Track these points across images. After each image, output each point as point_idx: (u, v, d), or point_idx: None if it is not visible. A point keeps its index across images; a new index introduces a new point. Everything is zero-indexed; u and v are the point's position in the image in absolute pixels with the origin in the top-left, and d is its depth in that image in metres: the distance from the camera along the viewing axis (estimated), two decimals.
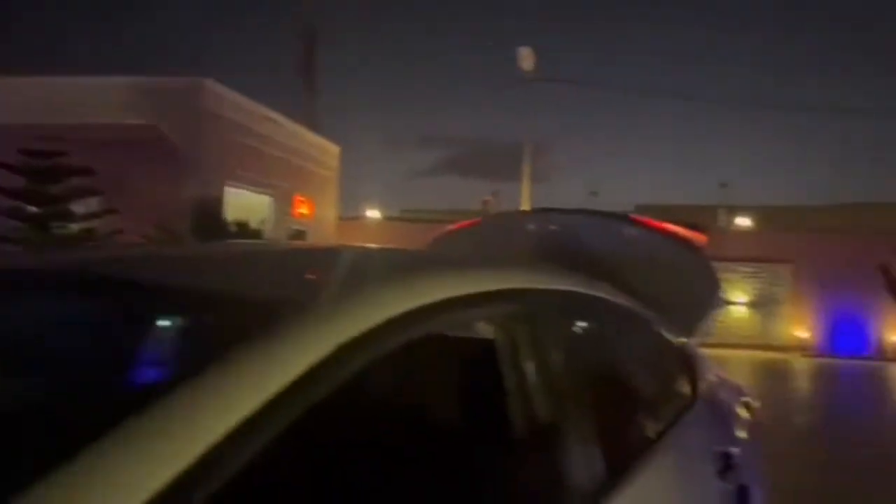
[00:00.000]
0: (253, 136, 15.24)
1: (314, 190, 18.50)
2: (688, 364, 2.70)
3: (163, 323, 1.38)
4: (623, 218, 3.68)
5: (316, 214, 18.32)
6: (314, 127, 20.18)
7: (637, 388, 2.30)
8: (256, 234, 13.78)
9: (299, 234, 17.28)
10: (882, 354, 18.62)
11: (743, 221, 20.96)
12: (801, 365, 17.23)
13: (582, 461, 1.46)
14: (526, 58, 19.03)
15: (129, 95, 13.36)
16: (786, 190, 23.55)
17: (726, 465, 2.29)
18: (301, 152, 17.78)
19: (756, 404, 3.27)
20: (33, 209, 10.67)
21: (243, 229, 13.29)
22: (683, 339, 2.86)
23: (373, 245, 2.47)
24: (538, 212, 5.06)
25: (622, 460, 1.63)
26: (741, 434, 2.73)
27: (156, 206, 12.17)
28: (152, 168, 12.89)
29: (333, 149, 20.32)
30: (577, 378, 1.67)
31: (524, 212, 10.58)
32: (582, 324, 2.08)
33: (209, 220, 12.82)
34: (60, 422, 0.89)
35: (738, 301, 20.49)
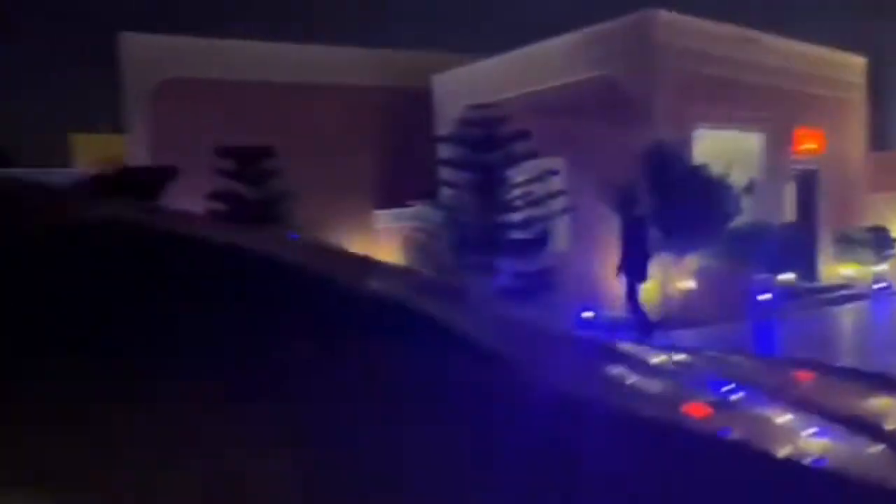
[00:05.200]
0: (724, 65, 12.50)
1: (825, 119, 14.54)
2: None
3: None
4: None
5: (830, 149, 14.62)
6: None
7: None
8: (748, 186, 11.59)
9: (809, 175, 14.50)
10: None
11: None
12: None
13: None
14: None
15: (572, 51, 12.95)
16: None
17: None
18: (799, 73, 13.92)
19: None
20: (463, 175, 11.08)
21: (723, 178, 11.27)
22: None
23: None
24: None
25: None
26: None
27: (609, 163, 11.38)
28: (602, 123, 12.08)
29: (855, 62, 15.67)
30: None
31: None
32: None
33: (672, 169, 11.19)
34: None
35: None
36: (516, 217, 11.03)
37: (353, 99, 16.29)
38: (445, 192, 11.82)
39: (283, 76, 15.58)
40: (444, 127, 13.80)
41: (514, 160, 10.97)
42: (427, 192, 12.41)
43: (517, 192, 11.08)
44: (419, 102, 15.69)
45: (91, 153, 19.49)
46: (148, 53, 15.00)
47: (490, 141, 10.94)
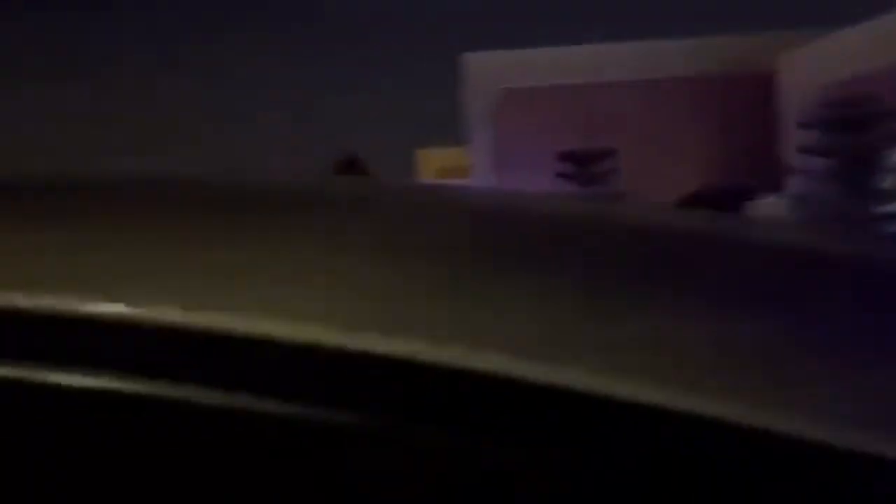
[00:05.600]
0: None
1: None
2: None
3: None
4: None
5: None
6: None
7: None
8: None
9: None
10: None
11: None
12: None
13: None
14: None
15: None
16: None
17: None
18: None
19: None
20: (828, 163, 10.45)
21: None
22: None
23: None
24: None
25: None
26: None
27: None
28: None
29: None
30: None
31: None
32: None
33: None
34: None
35: None
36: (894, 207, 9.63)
37: (687, 90, 15.68)
38: (799, 182, 10.75)
39: (615, 75, 15.59)
40: (791, 111, 12.57)
41: (887, 142, 9.60)
42: (773, 183, 11.42)
43: None
44: (760, 87, 14.53)
45: (433, 166, 21.47)
46: (488, 69, 16.10)
47: (864, 120, 9.70)
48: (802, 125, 11.00)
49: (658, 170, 14.47)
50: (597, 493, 0.41)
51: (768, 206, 11.46)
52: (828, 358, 0.46)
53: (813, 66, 12.87)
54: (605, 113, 14.90)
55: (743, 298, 0.51)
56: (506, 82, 15.74)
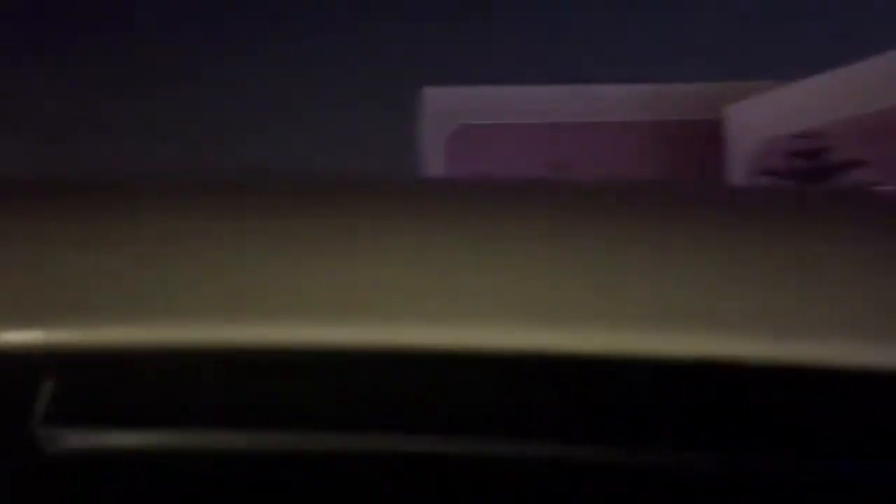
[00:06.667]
0: None
1: None
2: None
3: None
4: None
5: None
6: None
7: None
8: None
9: None
10: None
11: None
12: None
13: None
14: None
15: None
16: None
17: None
18: None
19: None
20: None
21: None
22: None
23: None
24: None
25: None
26: None
27: None
28: None
29: None
30: None
31: None
32: None
33: None
34: None
35: None
36: None
37: (638, 134, 16.10)
38: None
39: (569, 117, 15.87)
40: (738, 159, 13.05)
41: None
42: None
43: None
44: (709, 135, 15.09)
45: None
46: (445, 104, 16.10)
47: (818, 172, 10.15)
48: (764, 173, 11.40)
49: None
50: None
51: None
52: None
53: (760, 118, 13.44)
54: (558, 154, 15.06)
55: None
56: (463, 118, 15.77)
